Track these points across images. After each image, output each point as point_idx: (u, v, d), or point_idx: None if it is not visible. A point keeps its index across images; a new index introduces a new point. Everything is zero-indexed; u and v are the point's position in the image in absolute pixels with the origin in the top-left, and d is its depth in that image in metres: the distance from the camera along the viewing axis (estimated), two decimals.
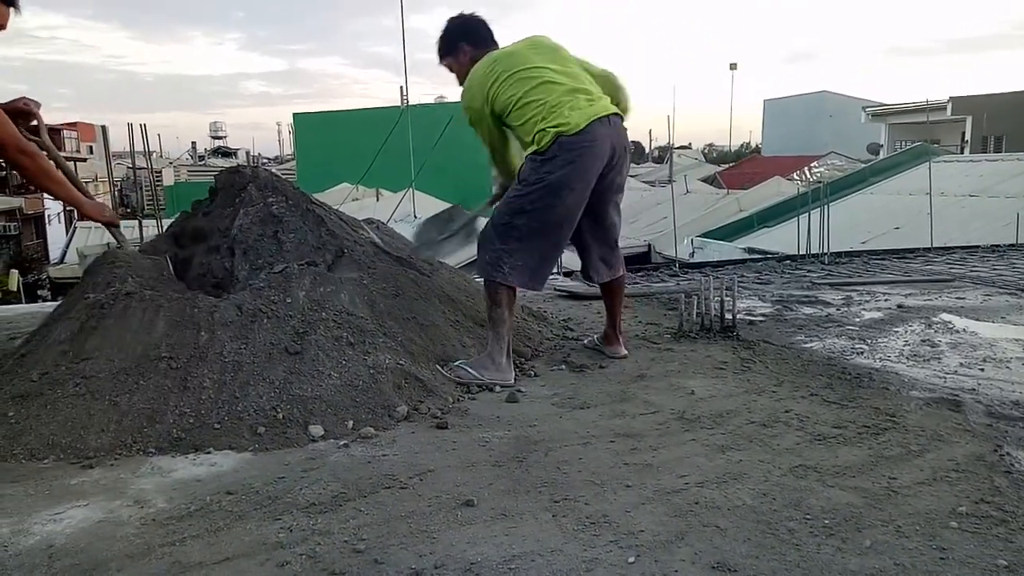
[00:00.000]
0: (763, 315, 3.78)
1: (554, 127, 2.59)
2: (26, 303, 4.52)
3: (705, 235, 14.23)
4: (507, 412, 2.38)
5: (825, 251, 6.25)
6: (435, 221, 4.01)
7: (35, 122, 2.97)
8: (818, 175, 21.54)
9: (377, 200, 14.62)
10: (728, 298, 3.39)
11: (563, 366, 2.92)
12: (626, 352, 2.97)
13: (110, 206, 2.73)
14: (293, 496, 1.80)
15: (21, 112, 2.89)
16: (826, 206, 6.90)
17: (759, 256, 7.15)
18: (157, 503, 1.78)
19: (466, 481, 1.89)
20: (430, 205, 14.18)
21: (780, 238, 11.59)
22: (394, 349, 2.54)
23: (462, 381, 2.58)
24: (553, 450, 2.08)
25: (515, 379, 2.65)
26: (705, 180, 26.55)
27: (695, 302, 3.43)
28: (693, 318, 3.39)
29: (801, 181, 20.67)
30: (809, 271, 5.41)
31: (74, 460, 2.03)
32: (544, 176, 2.60)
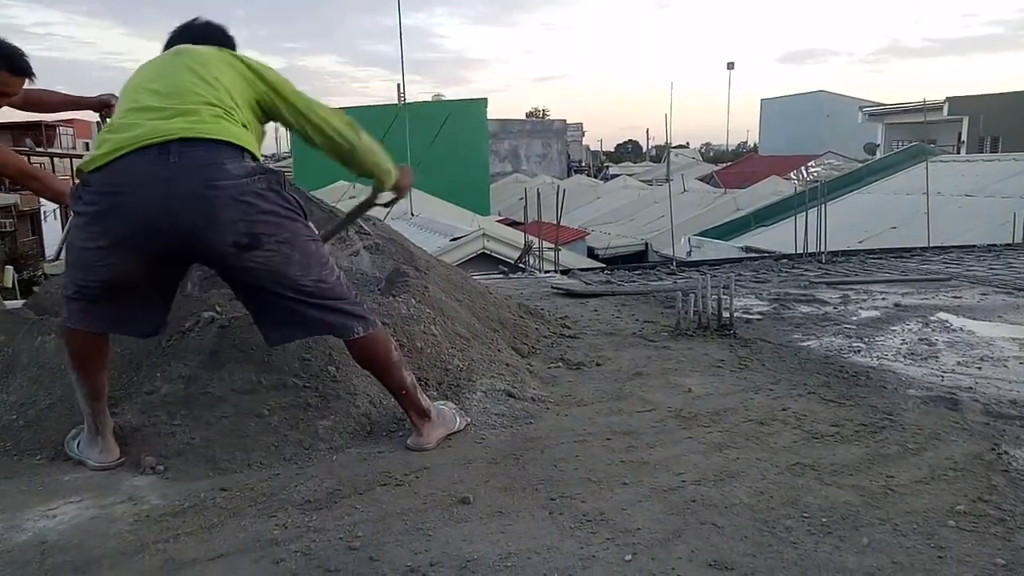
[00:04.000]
0: (760, 313, 3.77)
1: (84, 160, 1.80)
2: (21, 299, 4.51)
3: (702, 234, 14.25)
4: (504, 409, 2.37)
5: (822, 250, 6.25)
6: None
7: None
8: (815, 174, 21.57)
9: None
10: (725, 296, 3.39)
11: (560, 363, 2.91)
12: (431, 444, 2.04)
13: None
14: (288, 493, 1.79)
15: (106, 105, 2.99)
16: (823, 205, 6.90)
17: (756, 255, 7.16)
18: (151, 499, 1.77)
19: (462, 478, 1.88)
20: (427, 203, 14.19)
21: (777, 237, 11.60)
22: None
23: (68, 453, 2.02)
24: (550, 447, 2.07)
25: (115, 460, 1.96)
26: (702, 179, 26.59)
27: (692, 300, 3.42)
28: (690, 316, 3.38)
29: (798, 180, 20.70)
30: (806, 270, 5.41)
31: (68, 456, 2.01)
32: (72, 214, 1.87)
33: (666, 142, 24.42)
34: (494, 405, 2.41)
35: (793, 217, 8.57)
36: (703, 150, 59.33)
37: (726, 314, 3.34)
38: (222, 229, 1.76)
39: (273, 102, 1.97)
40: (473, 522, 1.66)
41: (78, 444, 2.01)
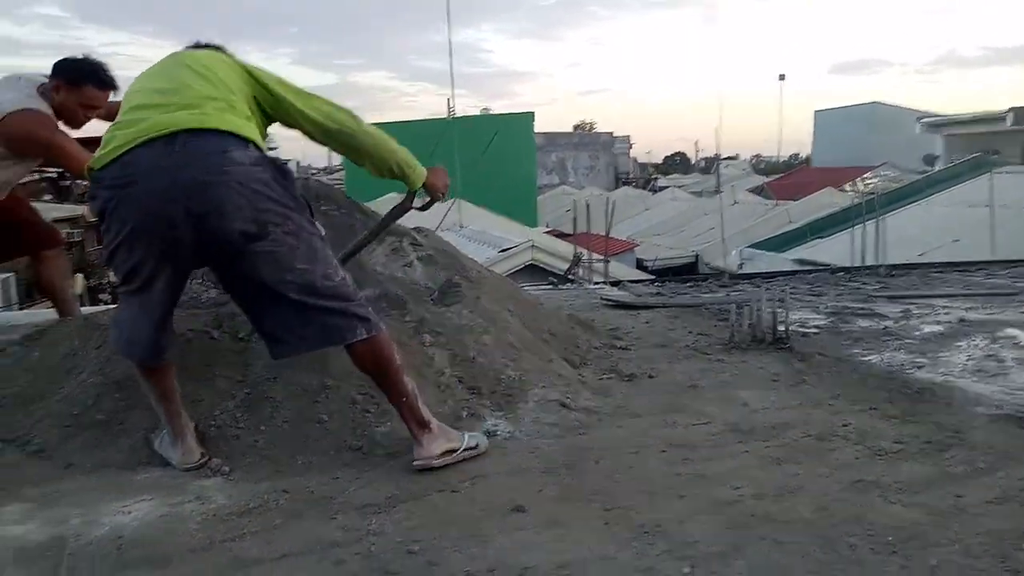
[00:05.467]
0: (817, 327, 3.69)
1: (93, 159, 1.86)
2: (90, 306, 4.71)
3: (754, 246, 14.01)
4: (557, 419, 2.38)
5: (880, 263, 6.09)
6: None
7: None
8: (872, 186, 21.04)
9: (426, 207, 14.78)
10: (781, 309, 3.33)
11: (612, 374, 2.90)
12: (436, 460, 1.96)
13: None
14: (347, 496, 1.83)
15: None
16: (881, 217, 6.73)
17: (811, 268, 7.01)
18: (217, 499, 1.83)
19: (517, 487, 1.89)
20: (475, 215, 14.31)
21: (832, 250, 11.33)
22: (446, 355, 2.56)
23: (153, 449, 2.10)
24: (604, 458, 2.06)
25: (196, 461, 2.01)
26: (753, 191, 26.18)
27: (747, 313, 3.38)
28: (745, 329, 3.33)
29: (854, 192, 20.21)
30: (864, 283, 5.27)
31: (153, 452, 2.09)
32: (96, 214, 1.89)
33: (715, 154, 24.16)
34: (547, 415, 2.42)
35: (849, 229, 8.38)
36: (754, 162, 58.44)
37: (782, 327, 3.29)
38: (229, 217, 1.76)
39: (267, 97, 1.96)
40: (529, 530, 1.67)
41: (160, 442, 2.08)
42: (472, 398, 2.46)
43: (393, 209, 2.40)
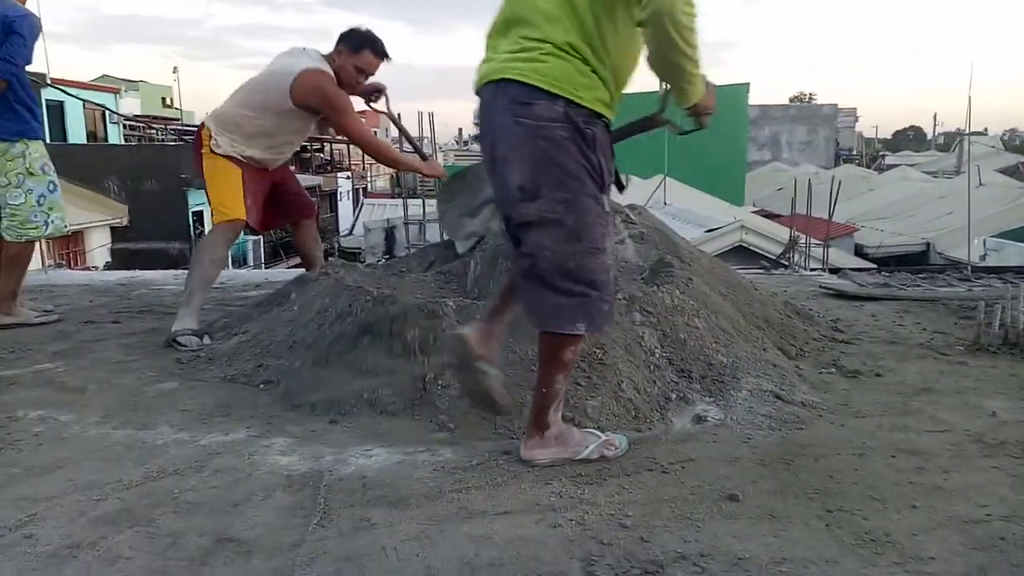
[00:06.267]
0: None
1: None
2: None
3: (1002, 235, 12.27)
4: (772, 411, 2.29)
5: None
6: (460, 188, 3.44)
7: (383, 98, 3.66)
8: None
9: (626, 186, 14.62)
10: None
11: (833, 369, 2.73)
12: (538, 460, 1.91)
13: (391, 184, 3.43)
14: (560, 465, 1.91)
15: (376, 90, 3.56)
16: None
17: None
18: (445, 453, 1.99)
19: (729, 475, 1.86)
20: (680, 191, 13.93)
21: None
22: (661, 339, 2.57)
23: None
24: (824, 457, 1.97)
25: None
26: (1004, 171, 22.83)
27: (998, 312, 3.00)
28: (995, 330, 2.97)
29: None
30: None
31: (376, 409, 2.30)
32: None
33: (963, 128, 21.30)
34: (760, 406, 2.34)
35: None
36: (1006, 137, 50.77)
37: None
38: (514, 167, 1.79)
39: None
40: (743, 520, 1.64)
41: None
42: (682, 381, 2.44)
43: (643, 121, 2.04)
